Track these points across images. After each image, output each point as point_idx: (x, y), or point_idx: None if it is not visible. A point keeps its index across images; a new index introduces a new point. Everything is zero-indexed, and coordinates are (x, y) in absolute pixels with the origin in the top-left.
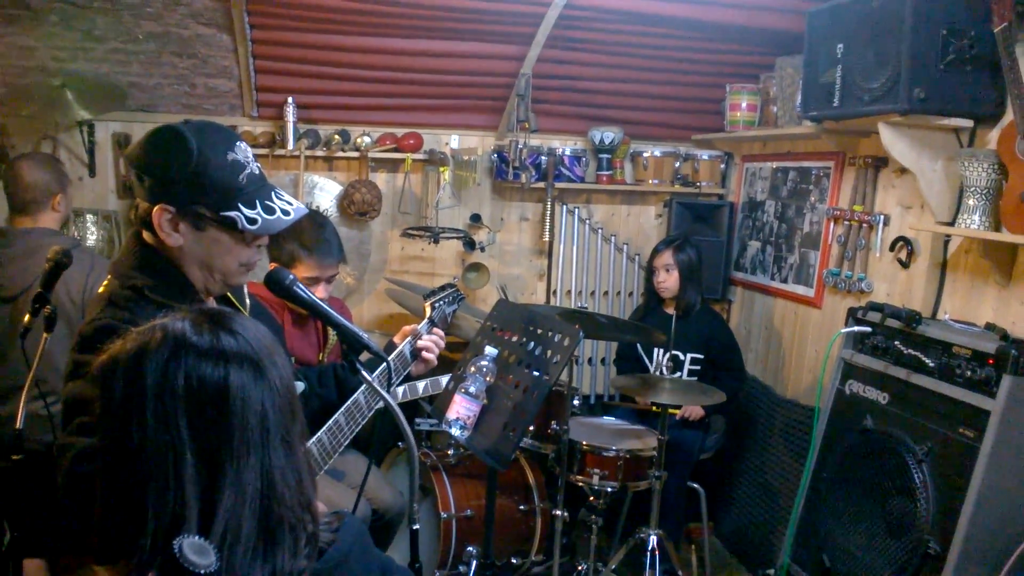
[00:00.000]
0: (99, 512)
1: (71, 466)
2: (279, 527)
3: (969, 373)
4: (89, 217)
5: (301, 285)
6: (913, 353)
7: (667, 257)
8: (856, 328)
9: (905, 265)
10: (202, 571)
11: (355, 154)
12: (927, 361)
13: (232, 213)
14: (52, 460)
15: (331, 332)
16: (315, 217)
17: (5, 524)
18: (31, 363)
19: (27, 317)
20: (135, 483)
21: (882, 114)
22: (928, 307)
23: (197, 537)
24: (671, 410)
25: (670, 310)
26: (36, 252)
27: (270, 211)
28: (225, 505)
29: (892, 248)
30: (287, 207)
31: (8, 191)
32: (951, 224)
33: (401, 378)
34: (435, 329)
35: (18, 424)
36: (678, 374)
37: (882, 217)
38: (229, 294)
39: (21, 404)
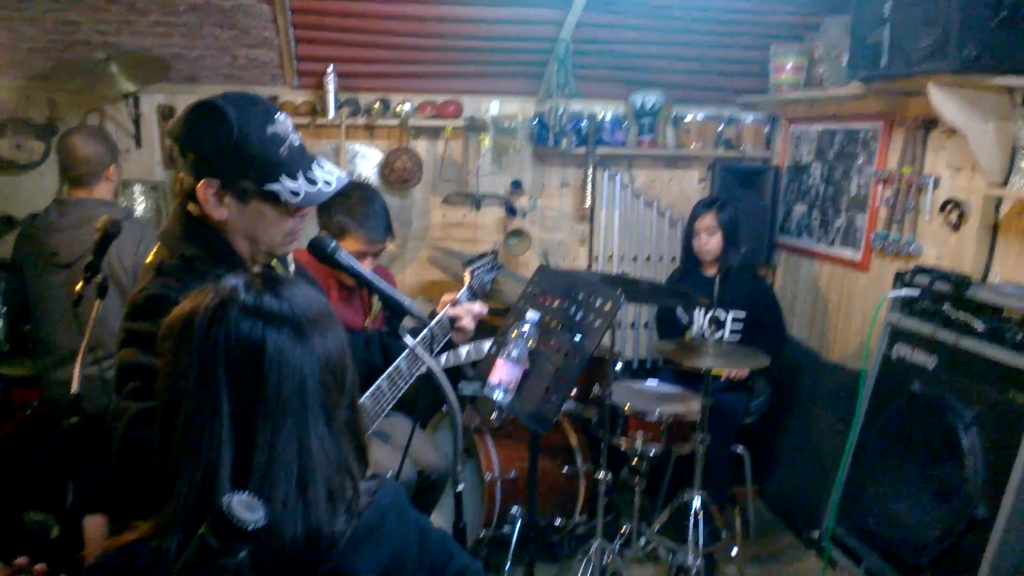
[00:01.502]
0: (154, 467)
1: (125, 430)
2: (317, 490)
3: (1020, 336)
4: (137, 188)
5: (343, 252)
6: (962, 317)
7: (709, 219)
8: (903, 292)
9: (955, 228)
10: (250, 526)
11: (395, 122)
12: (976, 325)
13: (274, 186)
14: (108, 422)
15: (375, 300)
16: (365, 191)
17: (69, 483)
18: (84, 329)
19: (79, 285)
20: (177, 437)
21: (932, 74)
22: (978, 270)
23: (246, 494)
24: (715, 371)
25: (710, 272)
26: (90, 221)
27: (312, 182)
28: (258, 463)
29: (942, 210)
30: (329, 178)
31: (63, 164)
32: (1003, 186)
33: (442, 345)
34: (475, 300)
35: (74, 388)
36: (720, 333)
37: (932, 179)
38: (274, 262)
39: (76, 369)
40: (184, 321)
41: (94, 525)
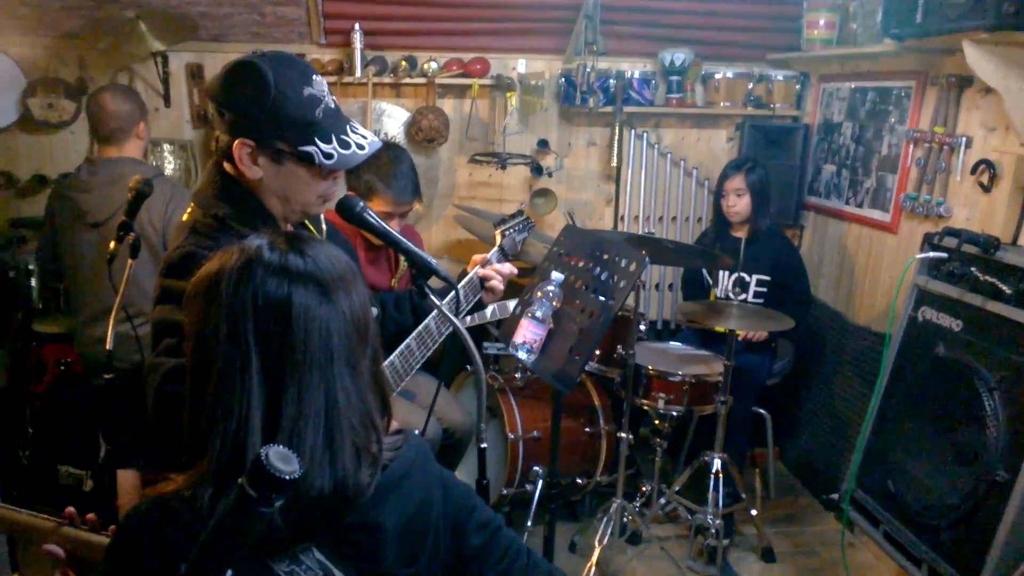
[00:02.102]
0: (186, 423)
1: (160, 385)
2: (342, 444)
3: None
4: (166, 147)
5: (372, 212)
6: (990, 280)
7: (738, 181)
8: (931, 254)
9: (987, 189)
10: (287, 476)
11: (422, 80)
12: (1004, 288)
13: (309, 148)
14: (141, 378)
15: (402, 260)
16: (394, 152)
17: (101, 438)
18: (117, 288)
19: (112, 244)
20: (209, 393)
21: (968, 31)
22: (1009, 233)
23: (282, 446)
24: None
25: (739, 233)
26: (121, 180)
27: (346, 146)
28: (287, 419)
29: (973, 171)
30: (362, 141)
31: (93, 122)
32: None
33: (471, 305)
34: (505, 261)
35: (108, 345)
36: (743, 296)
37: (964, 139)
38: (306, 221)
39: (110, 326)
40: (210, 281)
41: (126, 478)
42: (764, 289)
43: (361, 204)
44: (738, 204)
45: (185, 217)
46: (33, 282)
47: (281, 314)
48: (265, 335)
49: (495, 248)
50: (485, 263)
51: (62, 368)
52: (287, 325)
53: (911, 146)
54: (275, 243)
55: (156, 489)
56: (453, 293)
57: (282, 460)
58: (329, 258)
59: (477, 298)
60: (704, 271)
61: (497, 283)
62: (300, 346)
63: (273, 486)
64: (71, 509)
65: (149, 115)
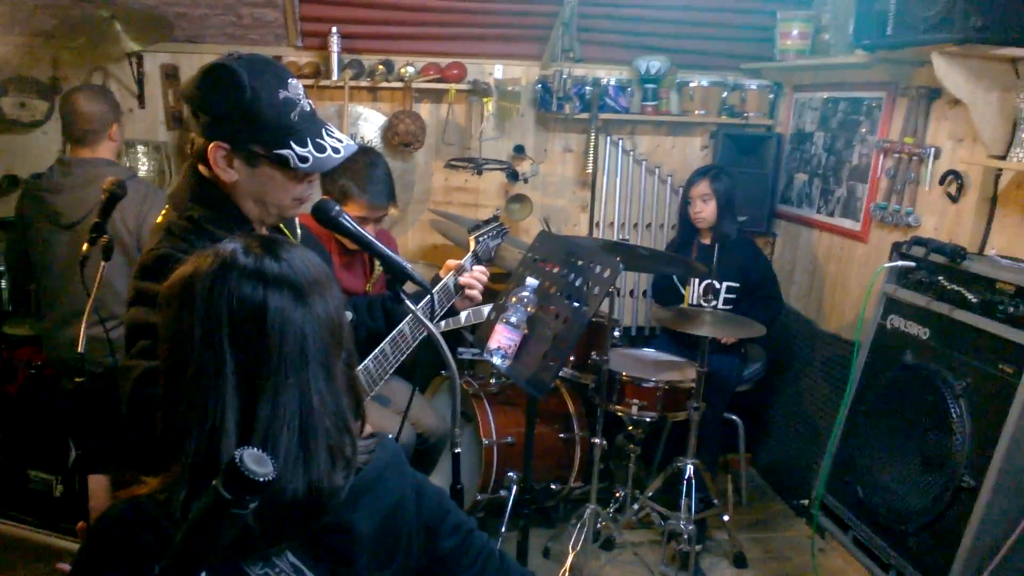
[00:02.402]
0: (160, 425)
1: (133, 387)
2: (317, 447)
3: (1011, 309)
4: (140, 148)
5: (347, 216)
6: (956, 288)
7: (704, 187)
8: (900, 263)
9: (954, 199)
10: (261, 479)
11: (399, 84)
12: (970, 297)
13: (284, 151)
14: (112, 381)
15: (376, 265)
16: (369, 156)
17: (71, 442)
18: (90, 290)
19: (85, 246)
20: (184, 395)
21: (937, 43)
22: (975, 243)
23: (256, 449)
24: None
25: (706, 240)
26: (94, 181)
27: (321, 149)
28: (262, 421)
29: (942, 182)
30: (337, 145)
31: (65, 123)
32: (1003, 158)
33: (444, 310)
34: (478, 265)
35: (80, 348)
36: (714, 303)
37: (933, 150)
38: (281, 225)
39: (82, 329)
40: (184, 284)
41: (98, 483)
42: (733, 296)
43: (337, 208)
44: (704, 210)
45: (160, 219)
46: (3, 284)
47: (256, 318)
48: (240, 338)
49: (469, 254)
50: (460, 270)
51: (32, 371)
52: (262, 329)
53: (881, 156)
54: (249, 246)
55: (129, 491)
56: (428, 298)
57: (256, 462)
58: (304, 262)
59: (451, 303)
60: (675, 278)
61: (476, 292)
62: (275, 350)
63: (247, 488)
64: (84, 524)
65: (123, 116)
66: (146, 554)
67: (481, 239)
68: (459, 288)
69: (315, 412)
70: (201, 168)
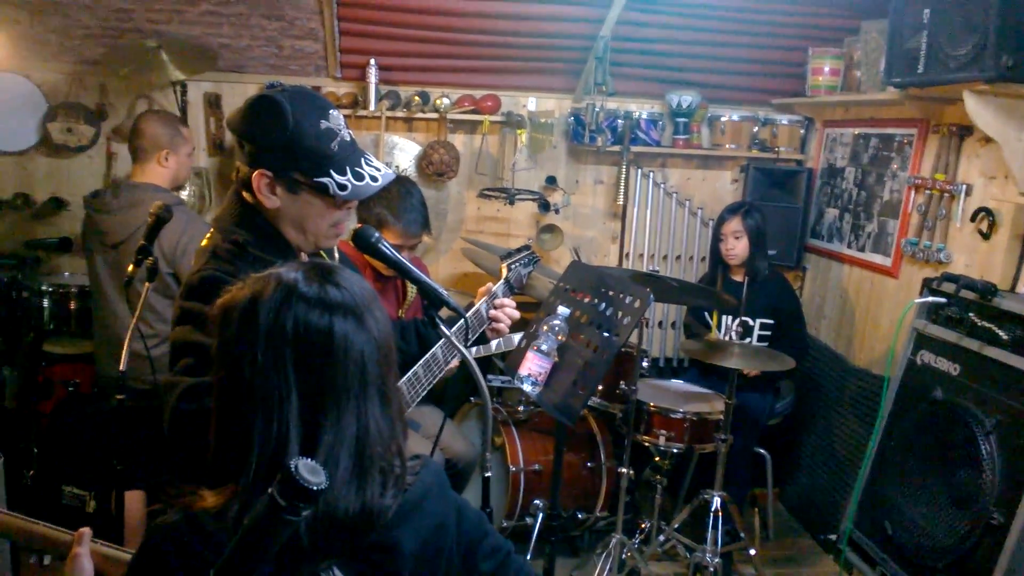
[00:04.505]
0: (212, 441)
1: (177, 403)
2: (371, 468)
3: None
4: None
5: (386, 243)
6: (987, 325)
7: (735, 224)
8: (930, 298)
9: (986, 236)
10: (314, 487)
11: (434, 115)
12: (1001, 334)
13: (324, 179)
14: (153, 399)
15: (409, 290)
16: (405, 186)
17: (108, 459)
18: (134, 309)
19: (131, 267)
20: (245, 417)
21: (968, 82)
22: (1007, 280)
23: (310, 460)
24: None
25: (738, 277)
26: (139, 205)
27: (359, 177)
28: (325, 443)
29: (973, 219)
30: (375, 173)
31: (128, 139)
32: None
33: (476, 336)
34: (508, 299)
35: (121, 366)
36: (748, 340)
37: (964, 187)
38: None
39: (124, 347)
40: (244, 308)
41: (133, 498)
42: (768, 333)
43: (376, 235)
44: (736, 247)
45: (205, 242)
46: (45, 303)
47: (323, 343)
48: (306, 363)
49: (501, 281)
50: (491, 296)
51: (70, 389)
52: (329, 354)
53: (912, 192)
54: (309, 274)
55: (183, 503)
56: (461, 321)
57: (311, 472)
58: (360, 286)
59: (482, 330)
60: (707, 316)
61: (503, 325)
62: (340, 374)
63: (301, 496)
64: (86, 529)
65: (183, 147)
66: (198, 564)
67: (513, 267)
68: (489, 318)
69: (371, 435)
70: (245, 195)
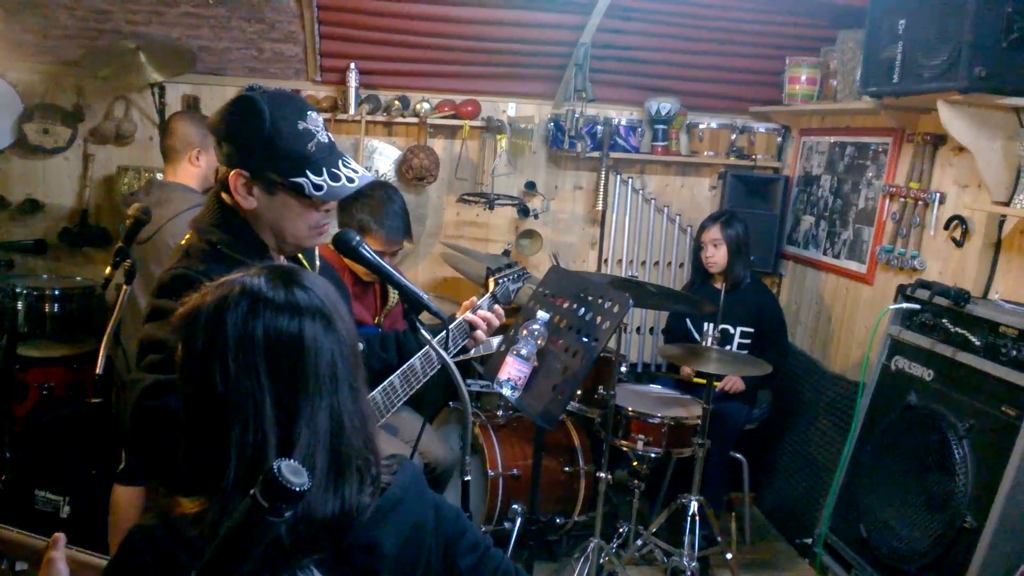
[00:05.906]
0: (184, 449)
1: (139, 399)
2: (347, 465)
3: (1015, 352)
4: (158, 175)
5: (367, 246)
6: (960, 331)
7: (715, 232)
8: (904, 305)
9: (959, 244)
10: (297, 488)
11: (414, 120)
12: (973, 340)
13: (300, 179)
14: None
15: (390, 296)
16: (387, 192)
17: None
18: (112, 311)
19: (107, 269)
20: (219, 424)
21: (942, 92)
22: (980, 287)
23: (291, 460)
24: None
25: (719, 284)
26: (166, 203)
27: (336, 178)
28: (301, 444)
29: (947, 227)
30: (352, 175)
31: (160, 138)
32: (1007, 204)
33: (458, 347)
34: (496, 306)
35: (97, 369)
36: (728, 347)
37: (938, 195)
38: (300, 255)
39: (101, 351)
40: (209, 318)
41: (126, 495)
42: (748, 341)
43: (357, 238)
44: (716, 255)
45: (183, 242)
46: (20, 305)
47: (294, 347)
48: (278, 366)
49: (487, 295)
50: (475, 309)
51: (44, 392)
52: (300, 356)
53: (887, 200)
54: (273, 278)
55: (160, 507)
56: (442, 332)
57: (293, 473)
58: (324, 287)
59: (464, 341)
60: (688, 322)
61: (481, 333)
62: (312, 375)
63: (284, 497)
64: (60, 535)
65: (196, 150)
66: (175, 569)
67: (501, 281)
68: (470, 326)
69: (347, 432)
70: (224, 196)
